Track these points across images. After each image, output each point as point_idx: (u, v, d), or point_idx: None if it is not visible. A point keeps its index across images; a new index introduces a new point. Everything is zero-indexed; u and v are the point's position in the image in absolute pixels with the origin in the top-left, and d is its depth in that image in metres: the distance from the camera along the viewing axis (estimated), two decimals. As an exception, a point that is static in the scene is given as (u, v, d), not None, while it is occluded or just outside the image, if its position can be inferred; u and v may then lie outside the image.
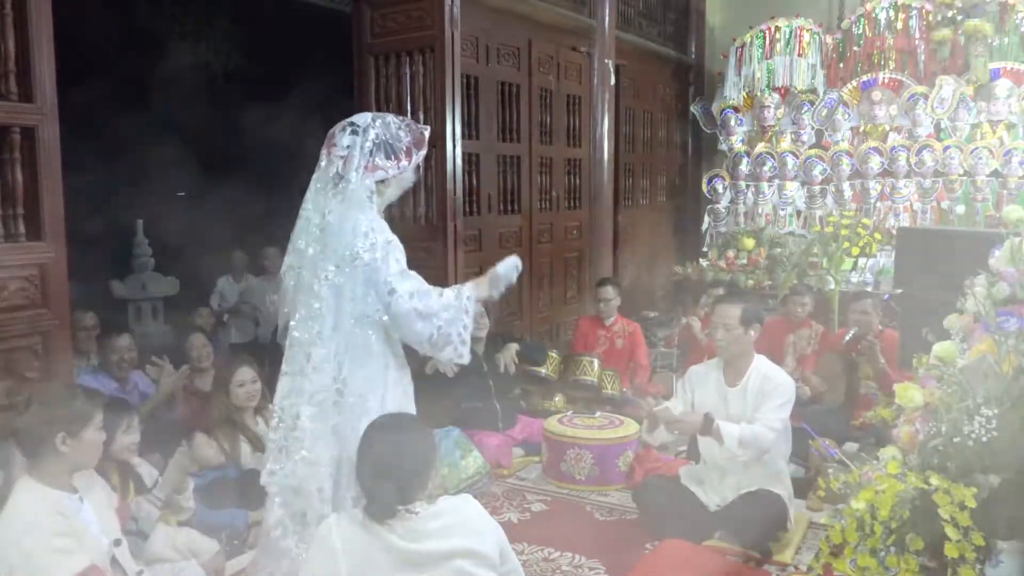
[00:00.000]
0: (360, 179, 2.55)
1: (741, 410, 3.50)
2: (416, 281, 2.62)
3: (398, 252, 2.62)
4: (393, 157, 2.61)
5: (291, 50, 6.75)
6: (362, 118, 2.62)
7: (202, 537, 2.90)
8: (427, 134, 2.74)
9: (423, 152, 2.71)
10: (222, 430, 3.73)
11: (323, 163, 2.61)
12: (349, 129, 2.59)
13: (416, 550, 2.07)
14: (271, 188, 6.92)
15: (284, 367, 2.65)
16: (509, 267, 2.74)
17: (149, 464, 3.23)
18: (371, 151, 2.57)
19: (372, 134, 2.58)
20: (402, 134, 2.65)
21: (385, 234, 2.61)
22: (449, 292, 2.66)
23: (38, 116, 3.11)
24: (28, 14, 3.06)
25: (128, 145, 5.99)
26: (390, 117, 2.68)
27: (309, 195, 2.63)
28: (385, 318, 2.60)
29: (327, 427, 2.56)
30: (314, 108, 6.48)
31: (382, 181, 2.61)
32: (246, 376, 3.83)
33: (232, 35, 6.56)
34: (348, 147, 2.56)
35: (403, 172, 2.66)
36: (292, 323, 2.63)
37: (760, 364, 3.57)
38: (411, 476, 2.10)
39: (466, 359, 2.68)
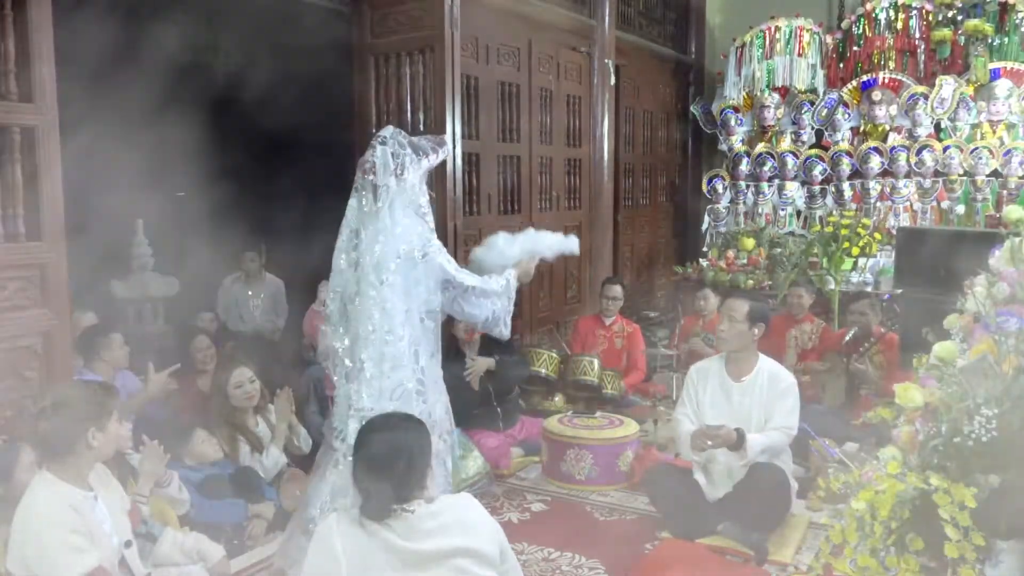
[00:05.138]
0: (399, 183, 2.82)
1: (747, 406, 3.54)
2: (469, 274, 2.98)
3: (446, 252, 2.96)
4: (423, 154, 2.93)
5: (291, 50, 6.75)
6: (386, 129, 2.93)
7: (210, 542, 2.91)
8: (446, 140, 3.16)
9: (446, 148, 3.11)
10: (221, 431, 3.72)
11: (359, 182, 2.86)
12: (377, 141, 2.87)
13: (416, 549, 2.07)
14: (270, 188, 6.92)
15: (369, 372, 2.80)
16: (561, 244, 3.26)
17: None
18: (401, 157, 2.84)
19: (397, 141, 2.86)
20: (423, 141, 2.98)
21: (434, 233, 2.93)
22: (499, 279, 3.02)
23: (38, 116, 3.12)
24: (28, 14, 3.07)
25: (128, 145, 5.99)
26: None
27: (350, 214, 2.88)
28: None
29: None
30: (314, 108, 6.47)
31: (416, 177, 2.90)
32: (243, 377, 3.82)
33: (232, 35, 6.56)
34: (381, 158, 2.83)
35: (432, 164, 2.98)
36: (346, 340, 2.85)
37: (765, 363, 3.62)
38: (406, 475, 2.10)
39: (507, 335, 3.10)
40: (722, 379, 3.63)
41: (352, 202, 2.89)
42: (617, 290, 5.67)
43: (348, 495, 2.66)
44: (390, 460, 2.10)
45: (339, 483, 2.76)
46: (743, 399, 3.56)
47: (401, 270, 2.78)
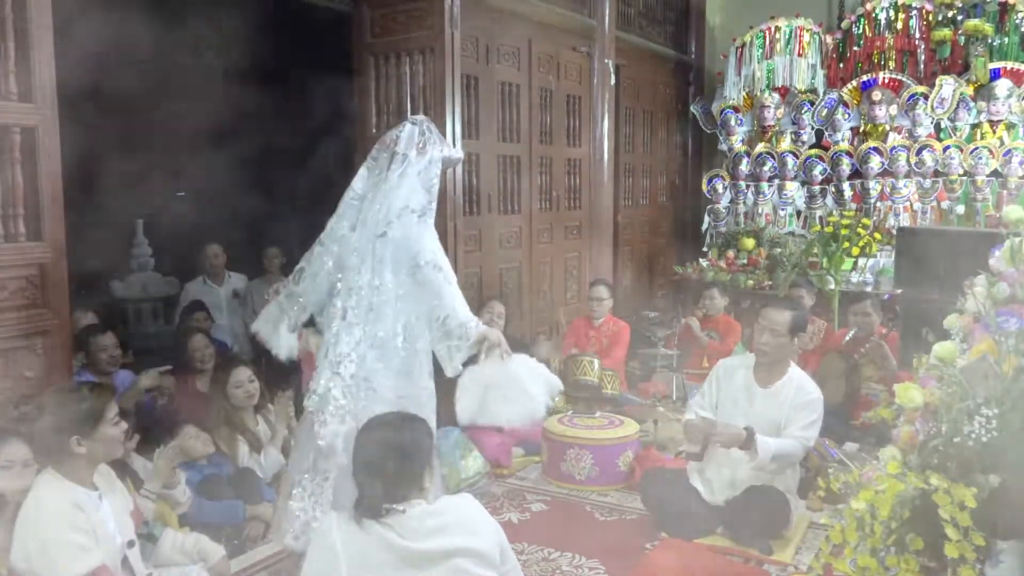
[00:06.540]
0: (419, 156, 2.94)
1: (768, 413, 3.45)
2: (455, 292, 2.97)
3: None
4: (441, 143, 3.04)
5: (291, 50, 6.75)
6: (418, 115, 3.13)
7: (210, 542, 2.91)
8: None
9: (461, 156, 3.31)
10: (220, 431, 3.72)
11: (375, 154, 2.97)
12: (408, 121, 3.04)
13: (415, 548, 2.07)
14: (270, 187, 6.91)
15: (349, 319, 2.85)
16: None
17: (146, 460, 3.23)
18: (427, 136, 2.99)
19: (426, 124, 3.01)
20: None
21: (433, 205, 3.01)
22: (469, 319, 2.98)
23: (38, 116, 3.12)
24: (28, 14, 3.07)
25: (128, 145, 5.99)
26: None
27: (358, 183, 2.98)
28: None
29: (391, 367, 2.83)
30: (314, 108, 6.47)
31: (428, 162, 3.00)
32: (243, 376, 3.83)
33: (231, 34, 6.57)
34: (408, 132, 2.97)
35: (450, 155, 3.09)
36: (342, 288, 2.91)
37: (794, 372, 3.52)
38: (399, 475, 2.10)
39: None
40: (748, 382, 3.55)
41: (362, 171, 3.00)
42: (601, 291, 5.67)
43: (331, 457, 2.73)
44: (383, 460, 2.10)
45: (323, 445, 2.75)
46: (766, 405, 3.47)
47: (398, 225, 2.87)
